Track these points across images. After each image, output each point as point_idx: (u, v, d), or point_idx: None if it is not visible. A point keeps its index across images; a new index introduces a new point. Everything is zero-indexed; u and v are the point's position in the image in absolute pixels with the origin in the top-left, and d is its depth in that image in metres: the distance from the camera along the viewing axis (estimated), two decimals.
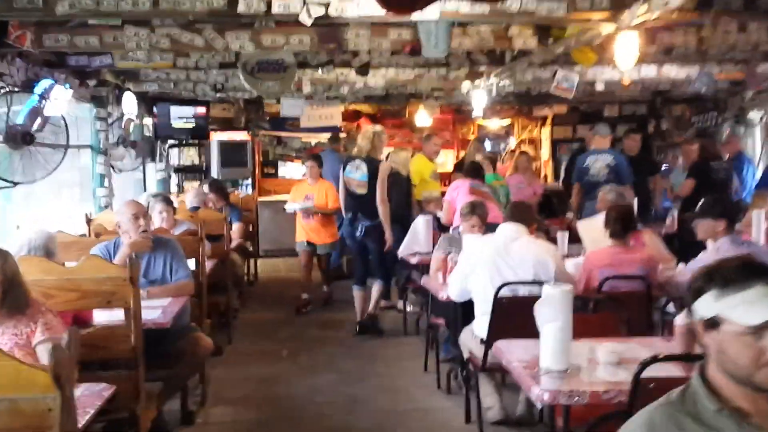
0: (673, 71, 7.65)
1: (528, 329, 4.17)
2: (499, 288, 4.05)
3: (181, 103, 10.11)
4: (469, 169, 6.88)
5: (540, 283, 4.09)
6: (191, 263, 5.15)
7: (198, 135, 10.48)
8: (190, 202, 7.33)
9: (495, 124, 13.81)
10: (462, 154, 13.85)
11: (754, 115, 10.72)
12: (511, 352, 3.18)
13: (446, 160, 12.69)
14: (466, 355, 4.54)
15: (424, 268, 6.25)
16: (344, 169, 6.95)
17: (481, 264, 4.18)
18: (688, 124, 11.50)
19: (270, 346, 6.73)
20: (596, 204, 7.21)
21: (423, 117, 11.21)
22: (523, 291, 4.12)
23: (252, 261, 9.78)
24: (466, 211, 5.41)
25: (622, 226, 4.28)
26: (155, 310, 4.18)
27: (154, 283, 4.63)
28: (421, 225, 6.65)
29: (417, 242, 6.61)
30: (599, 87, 7.90)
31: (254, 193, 11.51)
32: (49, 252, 3.71)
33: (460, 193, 6.64)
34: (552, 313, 2.79)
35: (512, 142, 14.03)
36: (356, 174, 6.85)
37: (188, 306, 4.75)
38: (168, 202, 6.33)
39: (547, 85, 8.59)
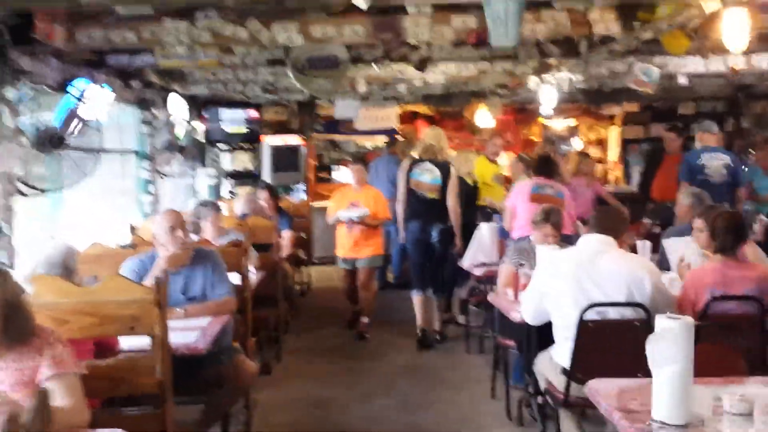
0: (766, 61, 6.89)
1: (619, 359, 3.61)
2: (585, 310, 3.46)
3: (232, 106, 9.76)
4: (537, 164, 6.21)
5: (634, 305, 3.51)
6: (235, 277, 4.69)
7: (250, 139, 10.11)
8: (240, 208, 6.89)
9: (560, 124, 13.10)
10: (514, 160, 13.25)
11: None
12: (610, 395, 2.58)
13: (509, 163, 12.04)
14: (542, 385, 3.95)
15: (489, 280, 5.72)
16: (410, 171, 6.49)
17: (562, 281, 3.58)
18: None
19: (322, 365, 6.24)
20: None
21: (484, 117, 10.58)
22: (613, 314, 3.51)
23: (305, 269, 9.34)
24: (539, 219, 4.82)
25: (734, 237, 3.62)
26: (193, 331, 3.73)
27: (193, 301, 4.18)
28: (486, 233, 6.07)
29: (482, 251, 6.04)
30: (681, 80, 7.18)
31: (308, 199, 11.09)
32: (68, 269, 3.27)
33: (520, 197, 6.03)
34: (670, 352, 2.20)
35: (577, 143, 13.27)
36: (426, 177, 6.45)
37: (230, 325, 4.29)
38: (216, 209, 5.91)
39: (621, 80, 7.95)
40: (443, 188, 6.40)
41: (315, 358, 6.45)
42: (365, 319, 7.10)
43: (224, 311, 4.17)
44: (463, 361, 6.21)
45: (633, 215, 9.38)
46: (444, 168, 6.46)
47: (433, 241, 6.43)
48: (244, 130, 9.88)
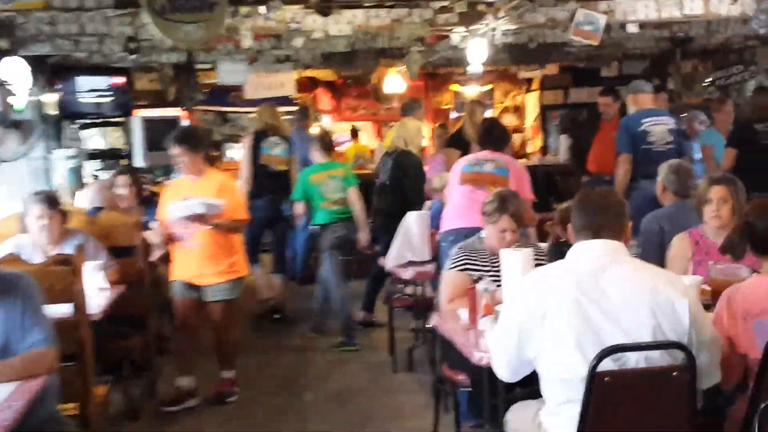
0: (724, 8, 5.89)
1: (648, 424, 2.42)
2: (598, 358, 2.23)
3: (92, 72, 8.05)
4: (481, 132, 4.78)
5: (669, 346, 2.31)
6: (67, 308, 3.22)
7: (118, 112, 8.43)
8: (90, 201, 5.33)
9: (473, 90, 11.97)
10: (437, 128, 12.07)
11: None
12: None
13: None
14: None
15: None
16: (258, 146, 6.50)
17: (556, 314, 2.33)
18: (700, 81, 9.83)
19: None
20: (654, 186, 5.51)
21: (395, 82, 9.30)
22: (636, 359, 2.30)
23: None
24: (492, 208, 3.58)
25: None
26: None
27: None
28: (413, 224, 4.80)
29: (409, 247, 4.77)
30: (631, 29, 6.09)
31: None
32: None
33: (451, 177, 4.78)
34: None
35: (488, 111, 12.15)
36: (277, 150, 6.56)
37: (53, 387, 2.84)
38: (52, 203, 4.33)
39: (559, 33, 6.82)
40: (289, 160, 6.56)
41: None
42: (228, 374, 4.81)
43: (38, 370, 2.71)
44: (391, 385, 4.93)
45: (566, 191, 8.48)
46: (288, 141, 6.65)
47: (285, 215, 6.37)
48: (108, 100, 8.20)
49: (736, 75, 8.98)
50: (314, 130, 13.32)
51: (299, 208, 6.12)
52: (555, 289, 2.37)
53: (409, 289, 5.22)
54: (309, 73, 10.17)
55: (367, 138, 11.79)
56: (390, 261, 4.73)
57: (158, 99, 9.56)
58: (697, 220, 3.86)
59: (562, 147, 9.65)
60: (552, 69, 10.62)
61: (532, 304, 2.40)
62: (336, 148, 11.31)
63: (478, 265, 3.56)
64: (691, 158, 6.18)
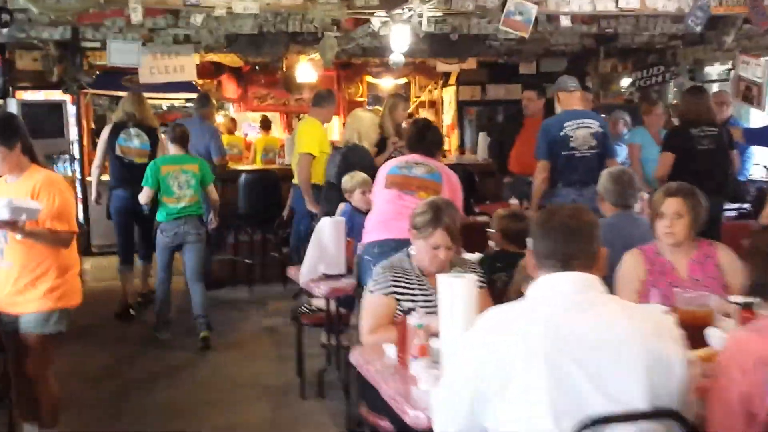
0: (660, 3, 5.54)
1: None
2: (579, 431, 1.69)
3: None
4: (411, 134, 4.17)
5: (666, 414, 1.80)
6: None
7: None
8: None
9: (388, 83, 11.43)
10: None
11: (714, 70, 8.99)
12: None
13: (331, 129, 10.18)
14: None
15: (341, 302, 3.92)
16: (114, 138, 6.46)
17: (520, 376, 1.77)
18: (617, 82, 9.64)
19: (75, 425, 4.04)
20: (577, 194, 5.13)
21: (306, 70, 8.62)
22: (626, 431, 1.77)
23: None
24: (424, 220, 3.02)
25: None
26: None
27: None
28: (327, 231, 4.18)
29: (323, 259, 4.15)
30: (564, 22, 5.67)
31: (82, 172, 8.55)
32: None
33: (377, 181, 4.19)
34: None
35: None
36: (135, 142, 6.49)
37: None
38: None
39: (484, 25, 6.36)
40: (152, 153, 6.41)
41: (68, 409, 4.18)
42: None
43: None
44: (300, 417, 4.29)
45: (488, 192, 8.07)
46: (152, 134, 6.58)
47: (143, 210, 6.03)
48: None
49: (657, 75, 8.78)
50: (219, 119, 12.63)
51: (146, 194, 5.72)
52: (518, 340, 1.81)
53: (318, 302, 4.60)
54: (213, 57, 9.35)
55: (277, 130, 11.08)
56: (303, 275, 4.09)
57: (42, 81, 8.55)
58: (644, 232, 3.45)
59: (480, 145, 9.22)
60: (470, 63, 10.20)
61: (487, 362, 1.83)
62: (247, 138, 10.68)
63: (406, 288, 2.99)
64: (614, 162, 5.85)
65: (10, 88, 9.27)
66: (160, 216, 5.73)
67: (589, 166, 5.13)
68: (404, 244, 3.26)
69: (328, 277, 4.13)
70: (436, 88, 11.52)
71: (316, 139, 6.20)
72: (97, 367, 5.25)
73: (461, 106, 10.98)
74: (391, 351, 2.65)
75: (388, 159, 6.35)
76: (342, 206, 5.11)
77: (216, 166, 7.42)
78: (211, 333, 5.64)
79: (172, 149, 5.89)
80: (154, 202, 5.78)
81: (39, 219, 3.39)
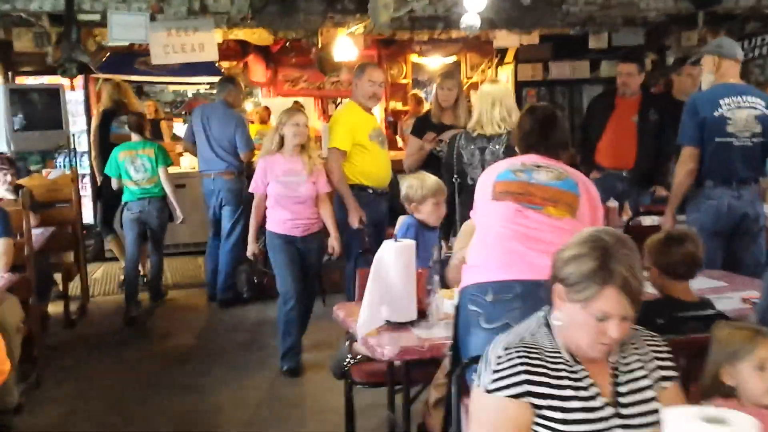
0: None
1: None
2: None
3: None
4: (533, 126, 2.74)
5: None
6: None
7: None
8: None
9: (435, 62, 10.12)
10: (397, 105, 10.20)
11: None
12: None
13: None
14: None
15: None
16: (107, 124, 6.79)
17: None
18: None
19: None
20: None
21: (345, 47, 7.37)
22: None
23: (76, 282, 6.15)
24: (577, 273, 1.76)
25: None
26: None
27: None
28: (393, 259, 2.91)
29: (387, 298, 2.90)
30: None
31: (75, 169, 7.38)
32: None
33: (479, 188, 2.81)
34: None
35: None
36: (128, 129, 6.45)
37: None
38: None
39: None
40: None
41: None
42: None
43: None
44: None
45: None
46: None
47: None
48: None
49: (762, 47, 7.36)
50: (248, 106, 11.42)
51: (114, 182, 6.11)
52: None
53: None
54: (238, 35, 8.13)
55: (312, 118, 9.84)
56: (362, 326, 2.81)
57: (44, 64, 7.42)
58: None
59: None
60: (532, 37, 8.83)
61: None
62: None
63: (549, 386, 1.74)
64: None
65: (9, 73, 8.22)
66: (125, 197, 6.10)
67: (750, 159, 3.85)
68: (535, 288, 2.03)
69: (393, 326, 2.88)
70: (489, 67, 10.15)
71: (347, 128, 4.95)
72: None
73: (520, 87, 9.62)
74: None
75: (415, 162, 5.13)
76: (402, 219, 3.88)
77: (242, 163, 6.29)
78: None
79: (133, 136, 6.19)
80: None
81: None
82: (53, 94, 6.47)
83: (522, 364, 1.76)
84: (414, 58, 10.06)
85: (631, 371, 1.84)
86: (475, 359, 2.14)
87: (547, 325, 1.86)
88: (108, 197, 6.57)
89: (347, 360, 3.42)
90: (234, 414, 4.09)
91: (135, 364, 4.89)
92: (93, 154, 6.74)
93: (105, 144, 6.63)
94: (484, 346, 2.17)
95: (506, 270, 2.36)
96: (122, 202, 6.14)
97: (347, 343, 3.35)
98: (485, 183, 2.68)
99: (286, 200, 4.48)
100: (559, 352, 1.81)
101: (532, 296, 2.18)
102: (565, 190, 2.51)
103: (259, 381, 4.54)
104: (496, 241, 2.47)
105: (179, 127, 10.20)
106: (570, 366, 1.79)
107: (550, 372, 1.76)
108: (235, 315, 5.85)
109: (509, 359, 1.78)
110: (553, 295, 1.84)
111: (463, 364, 2.19)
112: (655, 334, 1.95)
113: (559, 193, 2.49)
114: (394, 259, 2.89)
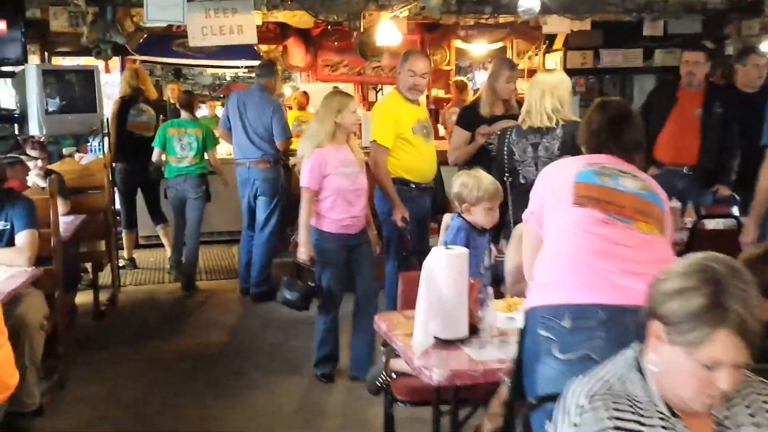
0: None
1: None
2: None
3: None
4: (608, 122, 2.37)
5: None
6: None
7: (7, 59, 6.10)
8: None
9: (480, 48, 9.74)
10: (439, 92, 9.84)
11: None
12: None
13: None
14: None
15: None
16: (125, 113, 6.74)
17: None
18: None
19: None
20: None
21: (387, 32, 7.03)
22: None
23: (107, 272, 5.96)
24: (683, 312, 1.44)
25: None
26: None
27: None
28: (443, 269, 2.62)
29: (438, 312, 2.61)
30: None
31: (107, 156, 7.19)
32: None
33: (548, 189, 2.39)
34: None
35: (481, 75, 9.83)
36: (144, 117, 6.77)
37: None
38: None
39: None
40: (158, 125, 6.56)
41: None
42: None
43: None
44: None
45: None
46: (157, 106, 7.02)
47: (148, 180, 6.58)
48: None
49: None
50: (287, 91, 11.16)
51: (156, 153, 6.27)
52: None
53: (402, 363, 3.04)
54: (277, 17, 7.85)
55: None
56: (417, 345, 2.51)
57: (79, 45, 7.24)
58: None
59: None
60: (583, 23, 8.41)
61: None
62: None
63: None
64: None
65: (46, 54, 8.07)
66: (166, 173, 6.27)
67: None
68: (621, 314, 1.72)
69: (440, 343, 2.59)
70: (536, 54, 9.74)
71: (389, 122, 4.64)
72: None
73: (568, 75, 9.17)
74: None
75: (462, 156, 4.80)
76: (448, 218, 3.58)
77: (279, 152, 6.04)
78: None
79: (182, 114, 6.31)
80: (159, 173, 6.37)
81: None
82: (88, 76, 6.25)
83: (611, 418, 1.46)
84: (458, 43, 9.68)
85: (739, 426, 1.53)
86: (545, 398, 1.84)
87: (639, 369, 1.55)
88: (149, 190, 6.82)
89: (383, 377, 3.14)
90: (264, 423, 3.85)
91: (164, 363, 4.68)
92: (111, 140, 6.54)
93: (122, 132, 6.68)
94: (556, 378, 1.87)
95: (588, 291, 2.01)
96: (163, 186, 6.35)
97: (383, 359, 3.07)
98: (561, 182, 2.29)
99: (349, 194, 4.12)
100: (654, 405, 1.50)
101: (616, 324, 1.88)
102: (653, 203, 2.17)
103: (291, 386, 4.30)
104: (575, 256, 2.11)
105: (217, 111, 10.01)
106: (667, 420, 1.49)
107: (644, 429, 1.46)
108: (268, 311, 5.60)
109: (595, 412, 1.48)
110: (647, 332, 1.53)
111: (529, 404, 1.89)
112: (764, 380, 1.62)
113: (650, 205, 2.15)
114: (445, 270, 2.60)
